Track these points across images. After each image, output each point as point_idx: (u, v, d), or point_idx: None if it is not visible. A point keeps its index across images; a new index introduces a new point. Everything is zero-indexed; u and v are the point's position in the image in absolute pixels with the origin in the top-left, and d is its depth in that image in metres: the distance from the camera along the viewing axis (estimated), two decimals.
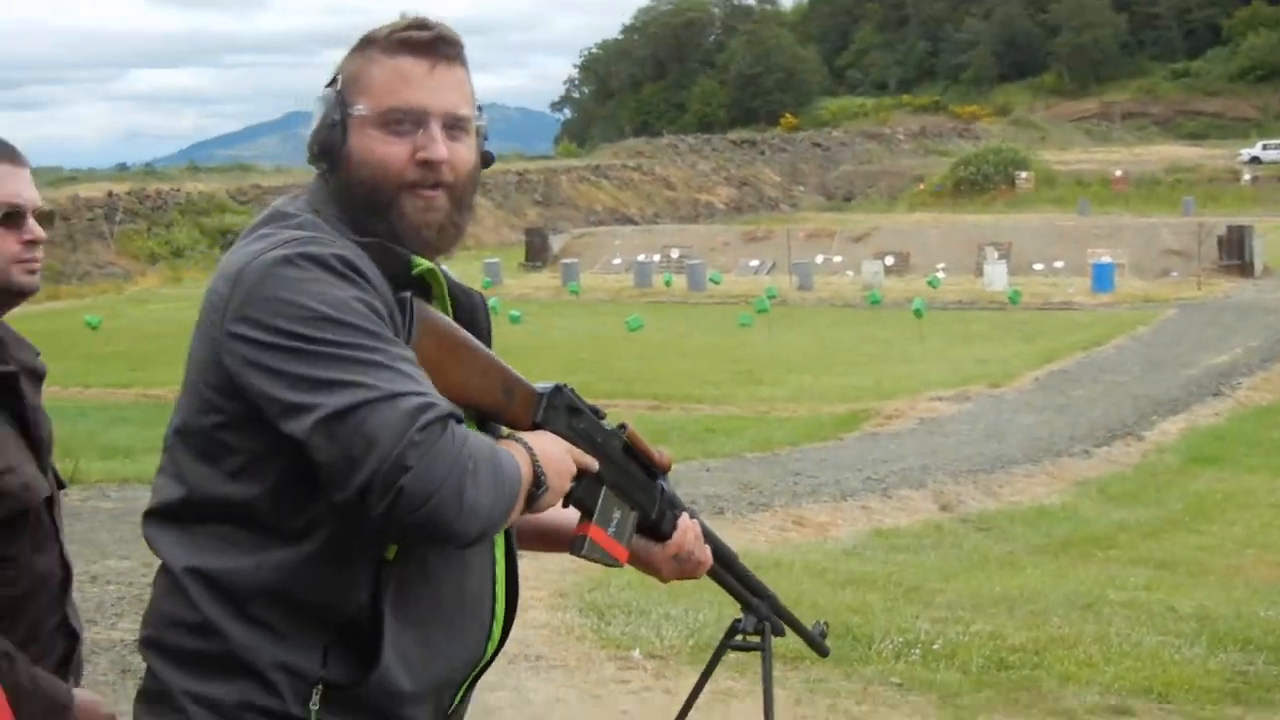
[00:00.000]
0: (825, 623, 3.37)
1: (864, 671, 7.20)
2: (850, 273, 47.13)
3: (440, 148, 2.40)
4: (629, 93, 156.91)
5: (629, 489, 2.64)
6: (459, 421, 2.19)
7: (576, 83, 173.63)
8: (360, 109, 2.41)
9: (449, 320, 2.41)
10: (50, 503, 2.92)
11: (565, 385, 2.51)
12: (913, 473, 16.25)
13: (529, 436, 2.40)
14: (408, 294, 2.33)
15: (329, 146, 2.42)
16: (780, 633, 3.14)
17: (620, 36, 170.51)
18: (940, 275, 41.98)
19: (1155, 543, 13.68)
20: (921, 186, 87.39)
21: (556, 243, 56.84)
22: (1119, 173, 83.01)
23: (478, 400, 2.40)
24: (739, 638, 3.10)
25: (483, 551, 2.50)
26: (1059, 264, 45.94)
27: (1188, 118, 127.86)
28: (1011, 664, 7.36)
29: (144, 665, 2.42)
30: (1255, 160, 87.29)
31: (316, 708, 2.28)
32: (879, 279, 42.39)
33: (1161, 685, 6.96)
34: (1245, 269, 43.78)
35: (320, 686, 2.28)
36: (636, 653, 7.50)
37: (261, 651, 2.28)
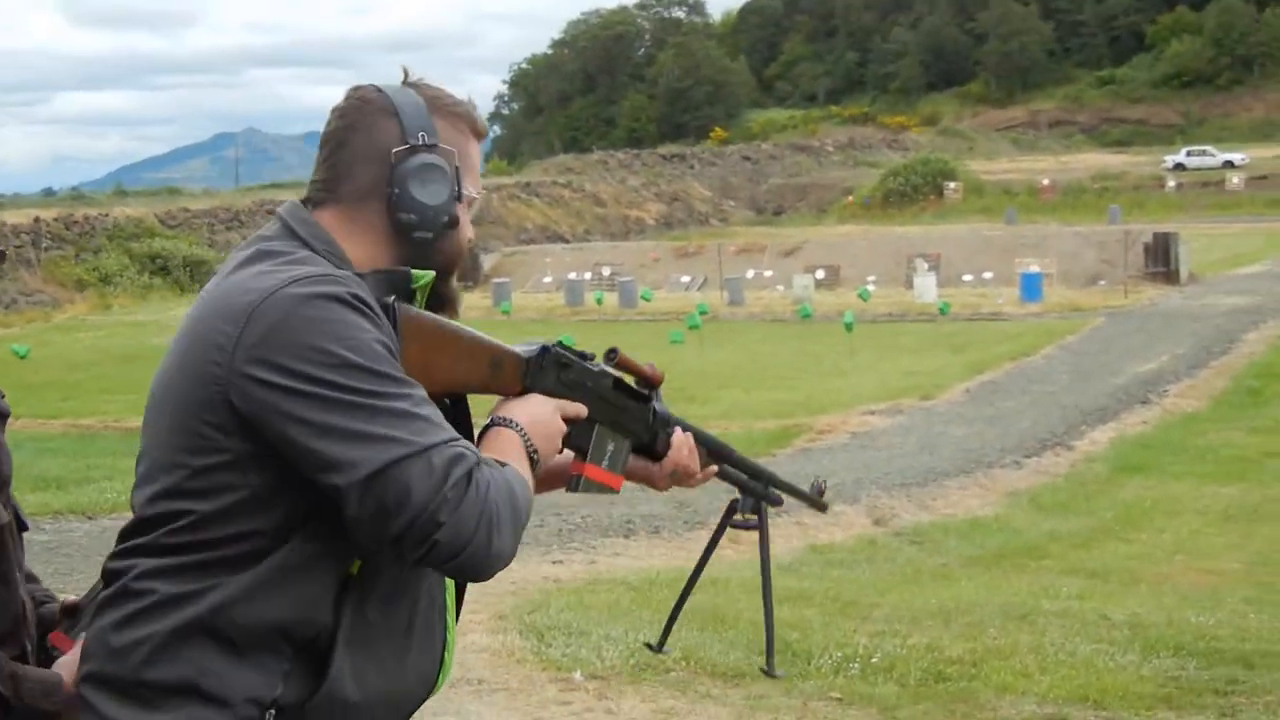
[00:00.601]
0: (823, 480, 3.49)
1: (804, 687, 7.25)
2: (781, 287, 47.26)
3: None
4: (558, 108, 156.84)
5: (621, 421, 2.76)
6: (480, 463, 2.28)
7: (506, 99, 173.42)
8: (470, 191, 2.54)
9: (429, 315, 2.46)
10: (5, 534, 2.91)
11: (552, 345, 2.62)
12: (846, 487, 16.31)
13: (517, 409, 2.52)
14: (390, 298, 2.38)
15: (453, 219, 2.51)
16: (779, 502, 3.23)
17: (550, 51, 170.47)
18: (870, 288, 42.19)
19: (1087, 552, 13.82)
20: (850, 199, 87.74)
21: (487, 262, 56.71)
22: (1046, 181, 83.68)
23: (466, 382, 2.50)
24: (737, 517, 3.19)
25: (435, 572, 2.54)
26: (988, 274, 46.25)
27: (1113, 125, 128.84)
28: (949, 676, 7.44)
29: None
30: (1180, 167, 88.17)
31: None
32: (810, 293, 42.52)
33: (1096, 693, 7.06)
34: (1171, 276, 44.18)
35: (273, 711, 2.30)
36: (578, 674, 7.52)
37: (224, 678, 2.29)
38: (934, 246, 51.18)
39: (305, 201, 2.53)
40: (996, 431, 20.61)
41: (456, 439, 2.28)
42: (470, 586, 2.66)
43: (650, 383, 2.84)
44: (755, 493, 3.18)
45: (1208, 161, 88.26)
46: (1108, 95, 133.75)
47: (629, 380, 2.80)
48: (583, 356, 2.69)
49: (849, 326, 30.13)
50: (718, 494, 11.86)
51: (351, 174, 2.48)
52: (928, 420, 21.78)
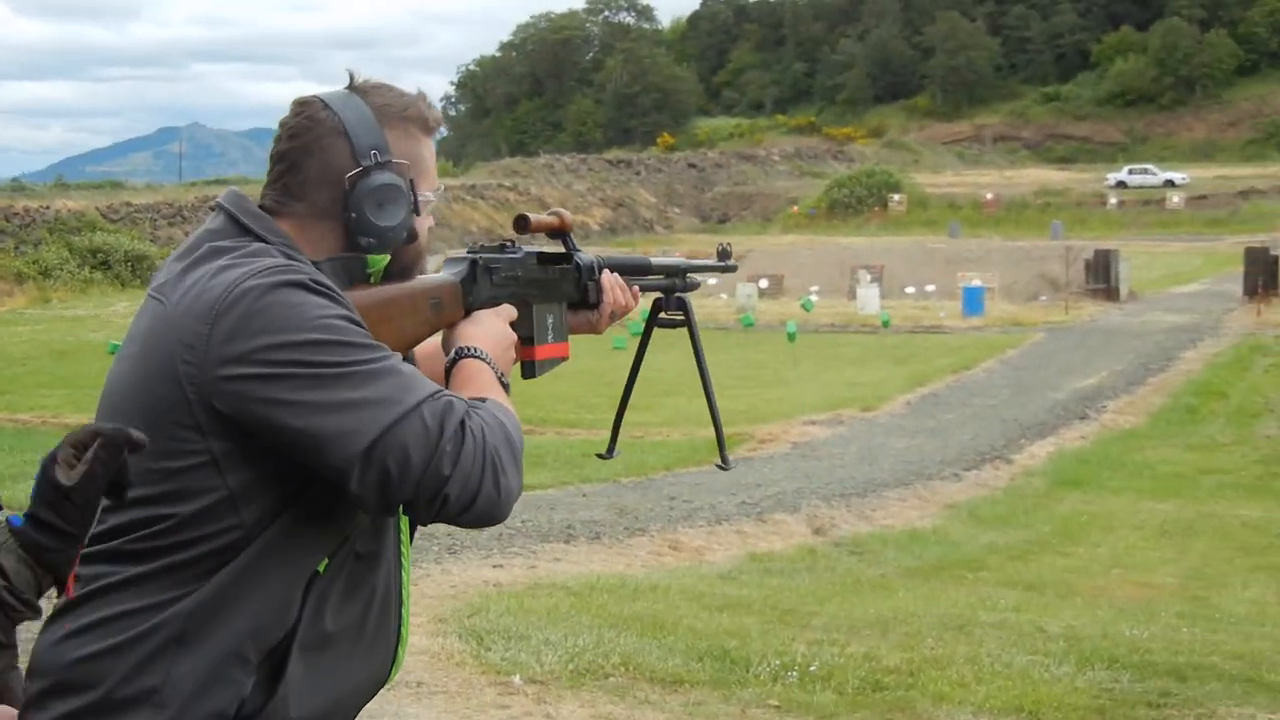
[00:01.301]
0: (727, 243, 3.55)
1: (742, 694, 7.27)
2: (724, 295, 47.32)
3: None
4: (505, 111, 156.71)
5: (554, 291, 2.84)
6: (469, 409, 2.30)
7: (453, 100, 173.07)
8: (428, 196, 2.57)
9: (363, 290, 2.48)
10: None
11: (475, 258, 2.69)
12: (787, 497, 16.38)
13: (473, 334, 2.60)
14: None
15: (412, 233, 2.55)
16: (697, 285, 3.30)
17: (498, 54, 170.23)
18: (813, 298, 42.31)
19: (1024, 564, 13.92)
20: (795, 209, 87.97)
21: (431, 264, 56.24)
22: (990, 196, 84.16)
23: (417, 334, 2.56)
24: (662, 315, 3.26)
25: (393, 561, 2.56)
26: (930, 287, 46.46)
27: (1057, 141, 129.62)
28: (886, 685, 7.47)
29: None
30: (1122, 185, 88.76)
31: None
32: (753, 302, 42.58)
33: (1031, 704, 7.11)
34: (1111, 293, 44.53)
35: None
36: (517, 678, 7.52)
37: (187, 688, 2.25)
38: (877, 258, 51.44)
39: (261, 208, 2.51)
40: (936, 444, 20.72)
41: (440, 390, 2.30)
42: (410, 589, 2.66)
43: (564, 230, 2.90)
44: (674, 289, 3.26)
45: (1149, 180, 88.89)
46: (1052, 112, 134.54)
47: (546, 243, 2.88)
48: (502, 248, 2.75)
49: (791, 336, 30.21)
50: (659, 502, 11.94)
51: (305, 195, 2.47)
52: (868, 431, 21.87)
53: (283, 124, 2.53)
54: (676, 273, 3.27)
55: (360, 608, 2.46)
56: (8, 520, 1.98)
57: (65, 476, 1.96)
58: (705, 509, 15.40)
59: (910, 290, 46.35)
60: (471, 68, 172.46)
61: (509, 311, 2.70)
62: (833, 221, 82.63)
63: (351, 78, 2.58)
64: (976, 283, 43.13)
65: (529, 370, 2.79)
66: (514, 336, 2.67)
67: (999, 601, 11.08)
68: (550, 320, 2.82)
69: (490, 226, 77.26)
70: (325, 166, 2.46)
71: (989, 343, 34.23)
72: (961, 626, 9.42)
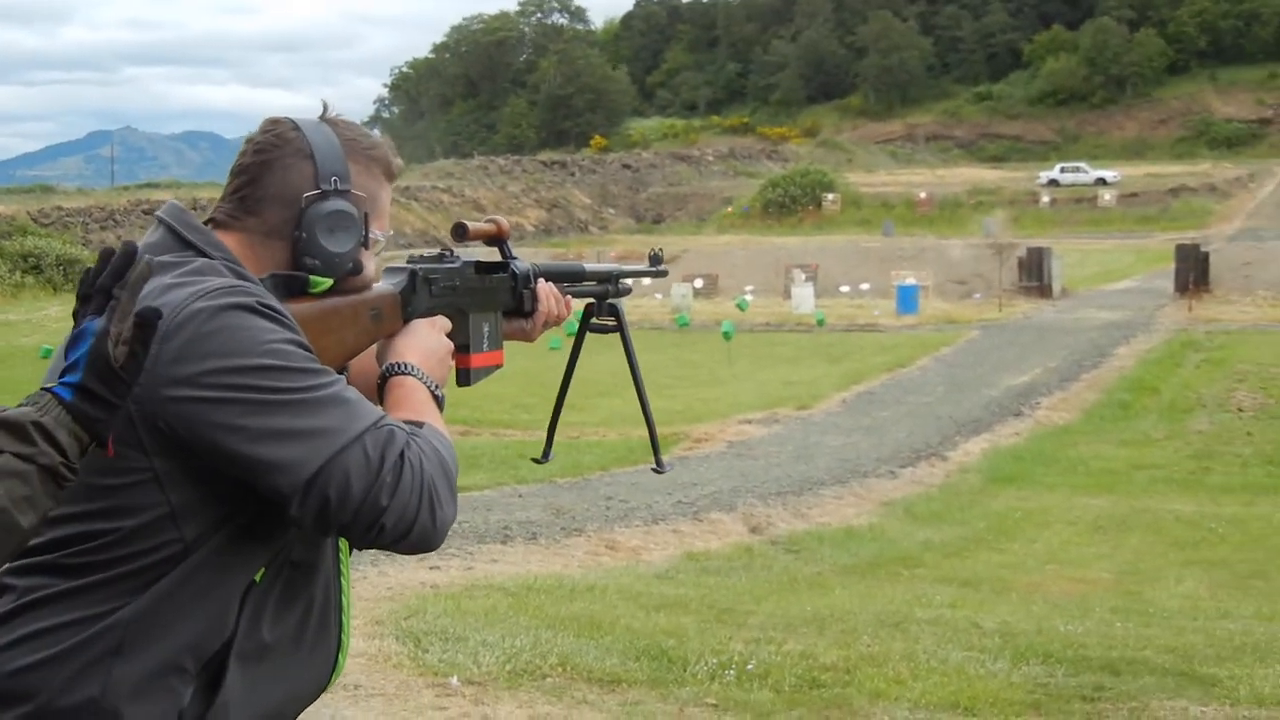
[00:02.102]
0: (659, 249, 3.61)
1: (679, 693, 7.28)
2: (659, 295, 47.33)
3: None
4: (439, 113, 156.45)
5: (490, 299, 2.87)
6: (409, 439, 2.31)
7: (387, 102, 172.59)
8: (378, 236, 2.58)
9: (304, 303, 2.47)
10: None
11: (415, 269, 2.70)
12: (723, 495, 16.40)
13: (407, 349, 2.61)
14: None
15: (356, 266, 2.54)
16: (629, 290, 3.35)
17: (431, 55, 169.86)
18: (748, 297, 42.35)
19: (959, 561, 13.99)
20: (729, 209, 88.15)
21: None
22: (923, 195, 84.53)
23: (356, 346, 2.56)
24: (594, 321, 3.31)
25: (331, 570, 2.56)
26: (865, 286, 46.58)
27: (990, 140, 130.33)
28: (823, 682, 7.49)
29: None
30: (1054, 183, 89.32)
31: None
32: (688, 301, 42.56)
33: (967, 699, 7.15)
34: (1044, 290, 44.82)
35: None
36: (454, 679, 7.50)
37: (126, 699, 2.24)
38: (812, 257, 51.55)
39: (208, 222, 2.51)
40: (872, 441, 20.79)
41: (383, 418, 2.32)
42: (351, 596, 2.66)
43: (501, 238, 2.93)
44: (607, 295, 3.30)
45: (1081, 178, 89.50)
46: (985, 111, 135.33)
47: (482, 253, 2.92)
48: (440, 258, 2.78)
49: (727, 336, 30.23)
50: (595, 502, 11.90)
51: (260, 211, 2.48)
52: (804, 430, 21.93)
53: (249, 139, 2.54)
54: (609, 279, 3.30)
55: (298, 617, 2.46)
56: (56, 395, 2.03)
57: (118, 355, 2.02)
58: (641, 509, 15.40)
59: (845, 289, 46.46)
60: (405, 70, 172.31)
61: (444, 322, 2.71)
62: (767, 221, 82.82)
63: (325, 108, 2.61)
64: (911, 281, 43.28)
65: (464, 378, 2.81)
66: (450, 346, 2.69)
67: (935, 598, 11.14)
68: (486, 329, 2.84)
69: (424, 228, 77.05)
70: (285, 185, 2.48)
71: (923, 341, 34.38)
72: (898, 623, 9.46)
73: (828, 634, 8.97)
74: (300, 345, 2.29)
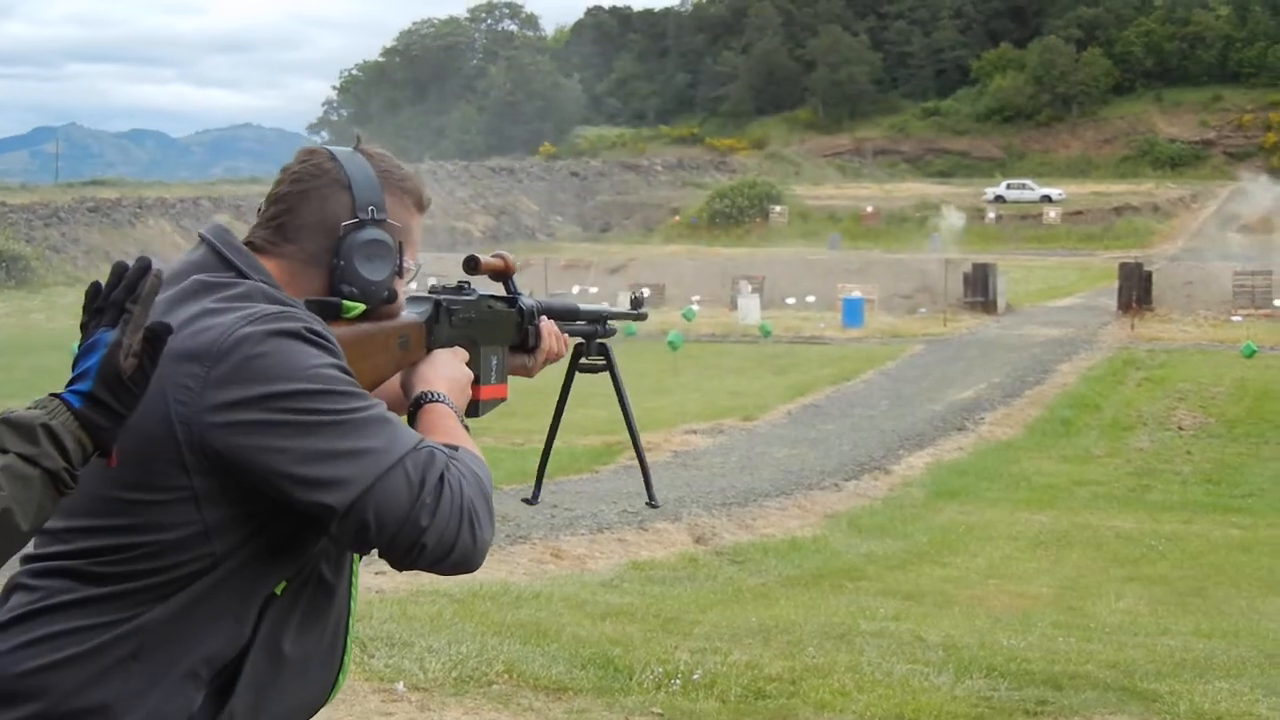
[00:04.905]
0: (641, 290, 3.74)
1: (625, 702, 7.28)
2: (605, 304, 47.28)
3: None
4: (388, 117, 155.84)
5: (499, 333, 2.91)
6: (449, 461, 2.36)
7: (335, 105, 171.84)
8: (410, 266, 2.63)
9: (344, 328, 2.51)
10: None
11: (440, 301, 2.75)
12: (668, 505, 16.39)
13: (434, 377, 2.66)
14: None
15: (391, 294, 2.57)
16: (613, 332, 3.46)
17: (380, 59, 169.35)
18: (695, 308, 42.45)
19: (903, 574, 14.06)
20: (677, 219, 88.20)
21: None
22: (870, 208, 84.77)
23: (384, 373, 2.61)
24: (583, 360, 3.38)
25: (345, 593, 2.60)
26: (810, 298, 46.74)
27: (937, 156, 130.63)
28: (769, 693, 7.51)
29: None
30: (999, 199, 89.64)
31: None
32: None
33: (911, 712, 7.17)
34: (989, 306, 45.04)
35: None
36: (400, 685, 7.48)
37: (137, 705, 2.27)
38: (758, 269, 51.68)
39: (246, 243, 2.54)
40: (817, 454, 20.87)
41: (423, 440, 2.36)
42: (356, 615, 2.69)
43: (508, 273, 2.98)
44: (596, 335, 3.39)
45: (1026, 195, 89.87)
46: (932, 126, 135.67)
47: (494, 285, 2.96)
48: (460, 290, 2.83)
49: (673, 345, 30.28)
50: (541, 510, 11.87)
51: (299, 239, 2.51)
52: (749, 441, 21.99)
53: (286, 169, 2.58)
54: (599, 319, 3.39)
55: (318, 634, 2.51)
56: (65, 400, 2.07)
57: (127, 366, 2.08)
58: (587, 517, 15.41)
59: (791, 301, 46.61)
60: (354, 73, 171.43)
61: (464, 353, 2.77)
62: (714, 232, 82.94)
63: (358, 139, 2.66)
64: (856, 294, 43.46)
65: (473, 410, 2.83)
66: (470, 377, 2.75)
67: (878, 611, 11.19)
68: (494, 361, 2.88)
69: None
70: (323, 214, 2.51)
71: (869, 354, 34.52)
72: (842, 635, 9.50)
73: (773, 645, 9.00)
74: (343, 370, 2.34)
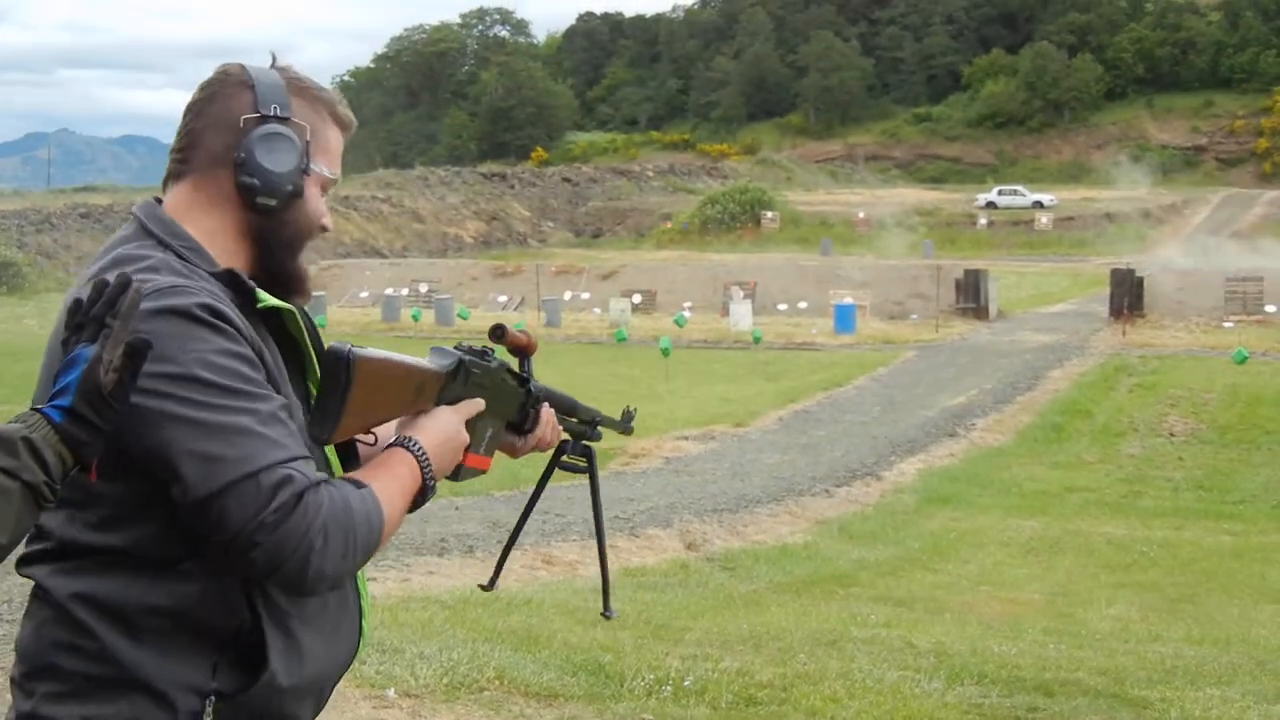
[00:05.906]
0: (633, 408, 3.71)
1: (616, 709, 7.28)
2: (598, 310, 47.36)
3: (331, 219, 2.67)
4: (380, 123, 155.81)
5: (503, 408, 2.88)
6: (315, 485, 2.31)
7: None
8: (321, 169, 2.61)
9: (381, 357, 2.51)
10: None
11: (464, 359, 2.72)
12: (659, 512, 16.41)
13: (424, 430, 2.61)
14: (346, 347, 2.42)
15: (297, 188, 2.55)
16: (599, 436, 3.38)
17: (372, 65, 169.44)
18: (686, 314, 42.42)
19: (894, 580, 14.06)
20: (669, 225, 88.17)
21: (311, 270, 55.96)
22: (861, 214, 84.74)
23: (394, 412, 2.58)
24: (565, 459, 3.30)
25: None
26: (802, 304, 46.70)
27: (928, 162, 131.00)
28: (760, 700, 7.51)
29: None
30: (991, 205, 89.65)
31: (210, 718, 2.35)
32: (626, 317, 42.55)
33: (902, 719, 7.19)
34: (981, 312, 45.01)
35: (212, 698, 2.35)
36: (391, 692, 7.47)
37: (153, 668, 2.32)
38: (750, 275, 51.59)
39: (165, 181, 2.58)
40: (808, 460, 20.86)
41: (293, 458, 2.31)
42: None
43: (526, 352, 2.98)
44: (584, 435, 3.33)
45: (1018, 201, 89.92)
46: (924, 132, 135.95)
47: (513, 362, 2.95)
48: (484, 355, 2.80)
49: (665, 351, 30.27)
50: (532, 516, 11.78)
51: (203, 141, 2.54)
52: (741, 447, 21.98)
53: (200, 84, 2.62)
54: (591, 421, 3.35)
55: (324, 593, 2.52)
56: (46, 415, 2.09)
57: (107, 381, 2.10)
58: (578, 523, 15.39)
59: (782, 307, 46.57)
60: (346, 79, 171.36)
61: (471, 408, 2.72)
62: (706, 238, 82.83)
63: (274, 58, 2.69)
64: (848, 300, 43.42)
65: (454, 473, 2.80)
66: (465, 440, 2.70)
67: (870, 617, 11.19)
68: (489, 433, 2.84)
69: (363, 238, 76.85)
70: (226, 111, 2.54)
71: (860, 360, 34.50)
72: (833, 642, 9.50)
73: (764, 651, 8.99)
74: (234, 355, 2.32)
